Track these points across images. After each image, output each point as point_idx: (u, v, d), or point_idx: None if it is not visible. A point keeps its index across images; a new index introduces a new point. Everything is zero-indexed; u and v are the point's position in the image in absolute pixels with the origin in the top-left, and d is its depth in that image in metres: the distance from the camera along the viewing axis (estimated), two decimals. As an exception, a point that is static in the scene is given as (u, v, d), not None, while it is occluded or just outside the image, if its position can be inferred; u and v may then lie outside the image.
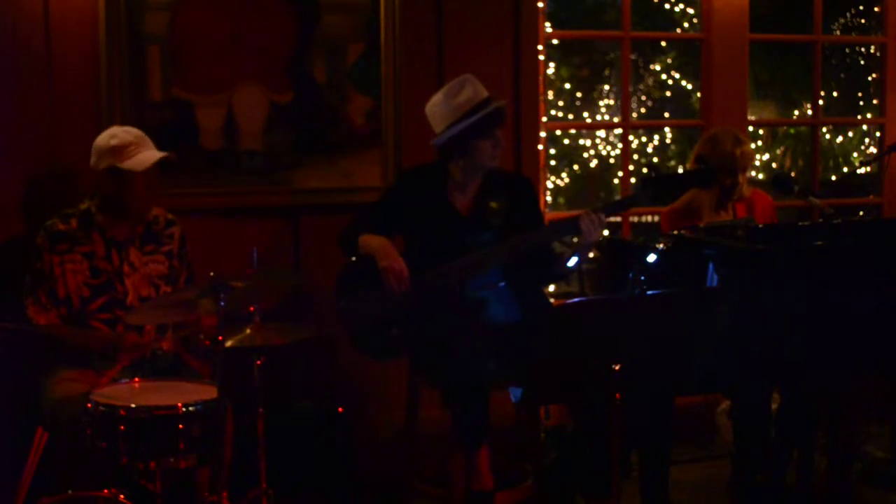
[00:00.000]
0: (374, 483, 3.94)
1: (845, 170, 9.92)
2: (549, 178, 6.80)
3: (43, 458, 2.88)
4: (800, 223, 4.25)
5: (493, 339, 3.36)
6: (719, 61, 4.97)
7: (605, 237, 6.86)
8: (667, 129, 10.24)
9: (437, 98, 3.49)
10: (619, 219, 5.25)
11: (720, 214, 4.06)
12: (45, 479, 2.93)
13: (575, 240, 3.44)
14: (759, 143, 9.70)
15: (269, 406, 3.25)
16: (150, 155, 3.36)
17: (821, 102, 5.48)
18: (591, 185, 10.15)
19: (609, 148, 10.05)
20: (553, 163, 9.45)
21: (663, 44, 9.68)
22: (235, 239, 4.03)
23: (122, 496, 2.89)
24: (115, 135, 3.37)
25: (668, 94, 10.08)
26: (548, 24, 4.70)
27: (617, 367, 2.66)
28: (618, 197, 6.63)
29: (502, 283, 3.53)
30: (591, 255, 4.00)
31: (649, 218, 8.50)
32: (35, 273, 3.38)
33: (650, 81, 10.17)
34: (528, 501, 3.67)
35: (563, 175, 9.90)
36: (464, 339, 3.33)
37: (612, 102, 10.17)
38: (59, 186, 3.87)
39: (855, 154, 10.06)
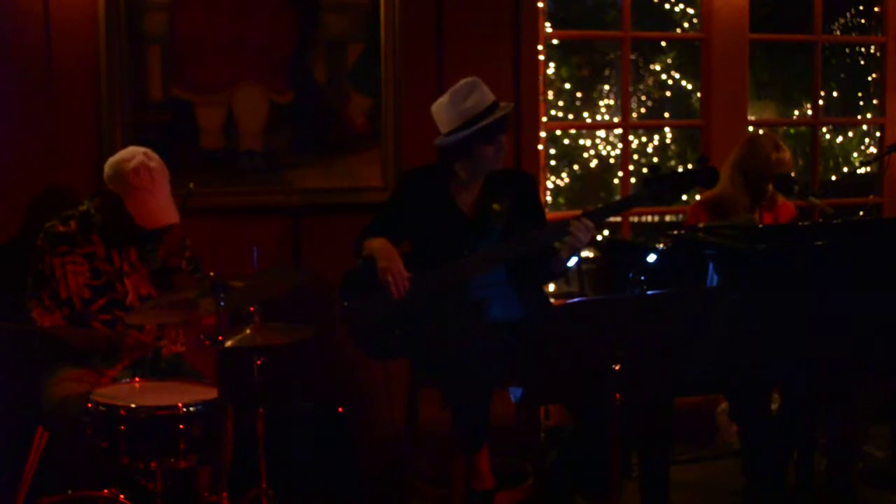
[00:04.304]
0: (374, 483, 3.94)
1: (845, 170, 9.92)
2: (549, 178, 6.80)
3: (43, 458, 2.88)
4: (800, 223, 4.25)
5: (494, 338, 3.36)
6: (719, 61, 4.97)
7: (605, 237, 6.89)
8: (667, 129, 10.24)
9: (443, 100, 3.49)
10: (619, 219, 5.26)
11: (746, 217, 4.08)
12: (45, 479, 2.93)
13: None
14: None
15: (269, 406, 3.25)
16: (157, 219, 3.31)
17: (821, 102, 5.48)
18: (591, 185, 10.15)
19: (609, 148, 10.04)
20: (553, 163, 9.44)
21: (663, 44, 9.68)
22: (235, 239, 4.03)
23: (122, 496, 2.89)
24: (137, 170, 3.27)
25: (668, 94, 10.08)
26: (548, 24, 4.70)
27: (617, 367, 2.66)
28: (618, 197, 6.63)
29: (504, 283, 3.53)
30: (589, 254, 4.01)
31: (649, 218, 8.50)
32: (36, 275, 3.37)
33: (650, 81, 10.17)
34: (528, 501, 3.67)
35: (563, 175, 9.90)
36: (466, 340, 3.33)
37: (612, 102, 10.16)
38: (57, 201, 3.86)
39: (855, 154, 10.06)
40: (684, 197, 4.07)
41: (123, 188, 3.28)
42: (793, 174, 4.11)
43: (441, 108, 3.49)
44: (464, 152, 3.48)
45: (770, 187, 4.03)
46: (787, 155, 4.06)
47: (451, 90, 3.48)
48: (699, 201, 4.16)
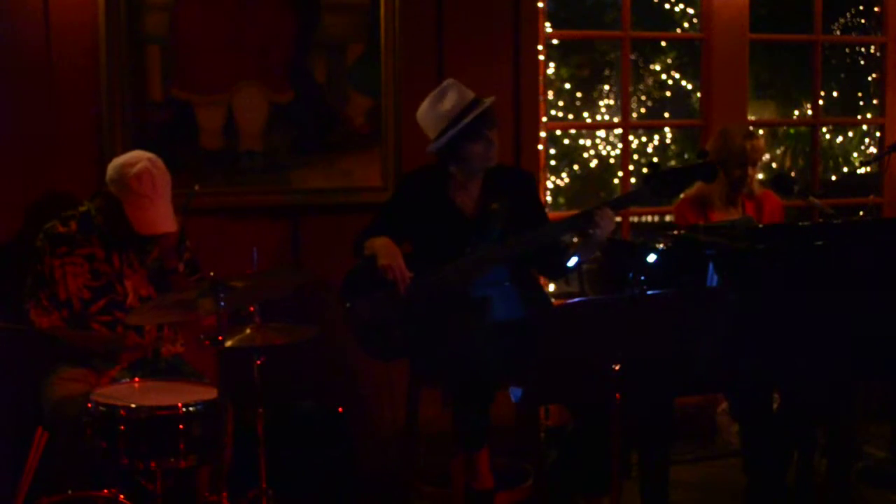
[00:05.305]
0: (374, 483, 3.94)
1: (845, 170, 9.92)
2: (549, 178, 6.80)
3: (43, 458, 2.87)
4: (800, 223, 4.25)
5: (495, 337, 3.36)
6: (719, 61, 4.97)
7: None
8: (667, 129, 10.25)
9: (423, 107, 3.51)
10: (619, 219, 5.26)
11: (729, 209, 4.10)
12: (45, 479, 2.93)
13: (575, 239, 3.44)
14: (759, 143, 9.72)
15: (269, 406, 3.25)
16: (153, 226, 3.30)
17: (821, 102, 5.48)
18: (591, 185, 10.16)
19: (609, 148, 10.06)
20: (553, 163, 9.45)
21: (663, 44, 9.69)
22: (235, 239, 4.03)
23: (122, 496, 2.89)
24: (140, 176, 3.26)
25: (668, 94, 10.09)
26: (548, 24, 4.70)
27: (617, 367, 2.66)
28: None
29: (506, 282, 3.53)
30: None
31: (649, 218, 8.50)
32: (35, 276, 3.37)
33: (650, 81, 10.18)
34: (528, 501, 3.67)
35: (563, 175, 9.91)
36: (468, 340, 3.32)
37: (612, 102, 10.17)
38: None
39: (855, 154, 10.07)
40: (682, 195, 4.07)
41: (124, 192, 3.27)
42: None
43: (423, 115, 3.51)
44: (454, 154, 3.48)
45: (749, 173, 4.06)
46: (758, 141, 4.10)
47: (430, 95, 3.50)
48: (683, 199, 4.17)
